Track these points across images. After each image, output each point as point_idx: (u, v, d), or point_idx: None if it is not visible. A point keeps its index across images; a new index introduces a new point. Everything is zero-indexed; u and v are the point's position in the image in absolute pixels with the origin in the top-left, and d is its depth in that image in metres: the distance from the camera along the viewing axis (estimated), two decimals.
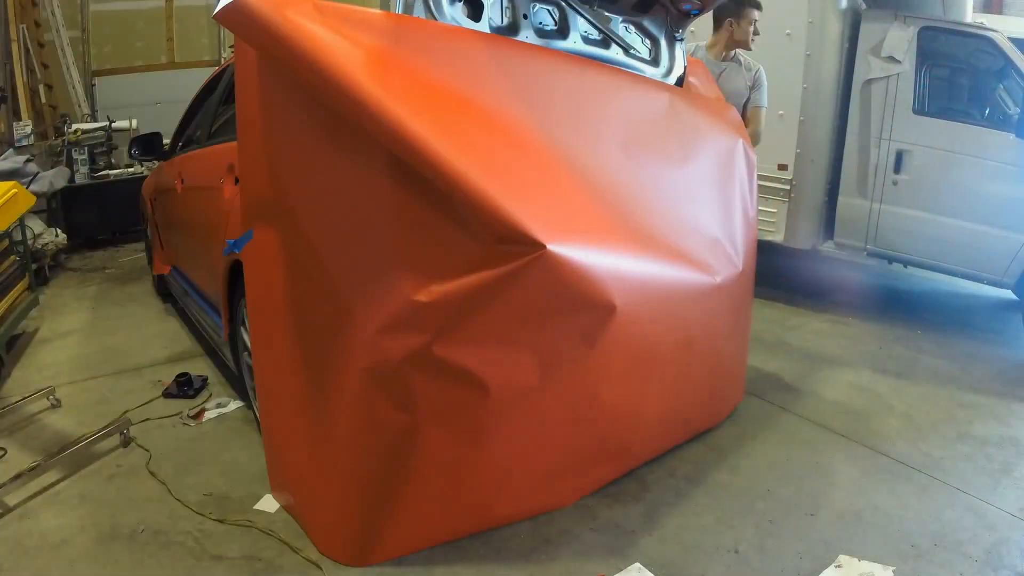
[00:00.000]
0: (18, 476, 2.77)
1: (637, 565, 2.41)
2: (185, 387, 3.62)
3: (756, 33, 3.89)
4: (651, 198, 2.70)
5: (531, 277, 2.10)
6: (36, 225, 5.71)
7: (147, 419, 3.37)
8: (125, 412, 3.41)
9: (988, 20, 5.46)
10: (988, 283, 4.66)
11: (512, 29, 2.73)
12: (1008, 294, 4.87)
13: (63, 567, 2.39)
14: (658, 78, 3.25)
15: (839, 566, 2.44)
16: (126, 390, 3.70)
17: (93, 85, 8.11)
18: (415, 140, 1.97)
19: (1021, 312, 4.68)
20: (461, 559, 2.43)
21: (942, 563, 2.46)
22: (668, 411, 2.90)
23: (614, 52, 3.05)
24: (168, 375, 3.87)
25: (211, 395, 3.63)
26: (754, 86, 3.92)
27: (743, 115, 3.82)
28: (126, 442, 3.15)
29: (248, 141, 2.40)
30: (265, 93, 2.25)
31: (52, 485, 2.85)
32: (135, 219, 6.06)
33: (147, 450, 3.09)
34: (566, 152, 2.42)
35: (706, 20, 3.52)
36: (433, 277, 2.09)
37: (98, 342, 4.40)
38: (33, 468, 2.82)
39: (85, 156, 6.66)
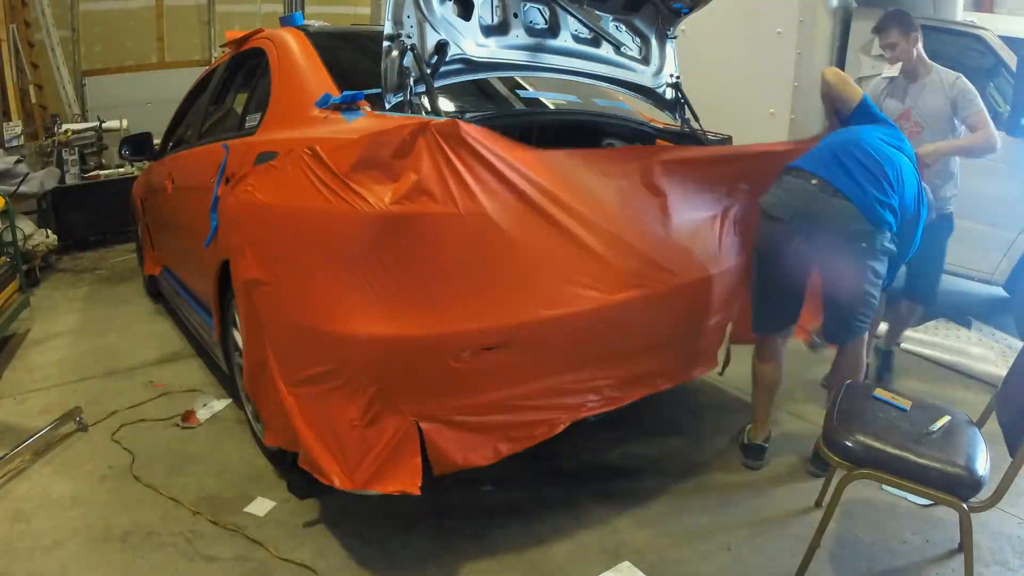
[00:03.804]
0: None
1: (627, 563, 2.42)
2: None
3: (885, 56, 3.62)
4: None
5: None
6: (26, 226, 5.67)
7: (141, 419, 3.37)
8: (114, 412, 3.41)
9: (978, 19, 5.47)
10: (979, 280, 4.68)
11: (502, 28, 2.73)
12: (999, 291, 4.89)
13: (55, 569, 2.38)
14: (648, 76, 3.25)
15: None
16: (117, 391, 3.69)
17: (83, 85, 8.06)
18: None
19: (1011, 309, 4.70)
20: (454, 558, 2.44)
21: (933, 559, 2.49)
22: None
23: (605, 51, 3.05)
24: (160, 376, 3.86)
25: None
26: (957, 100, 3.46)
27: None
28: (84, 427, 3.27)
29: None
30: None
31: (44, 487, 2.84)
32: (126, 220, 6.03)
33: (131, 452, 3.08)
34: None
35: (697, 18, 3.52)
36: None
37: (89, 343, 4.39)
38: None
39: (75, 156, 6.61)
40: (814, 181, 2.69)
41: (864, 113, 2.96)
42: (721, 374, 3.45)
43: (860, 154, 2.71)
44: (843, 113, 3.02)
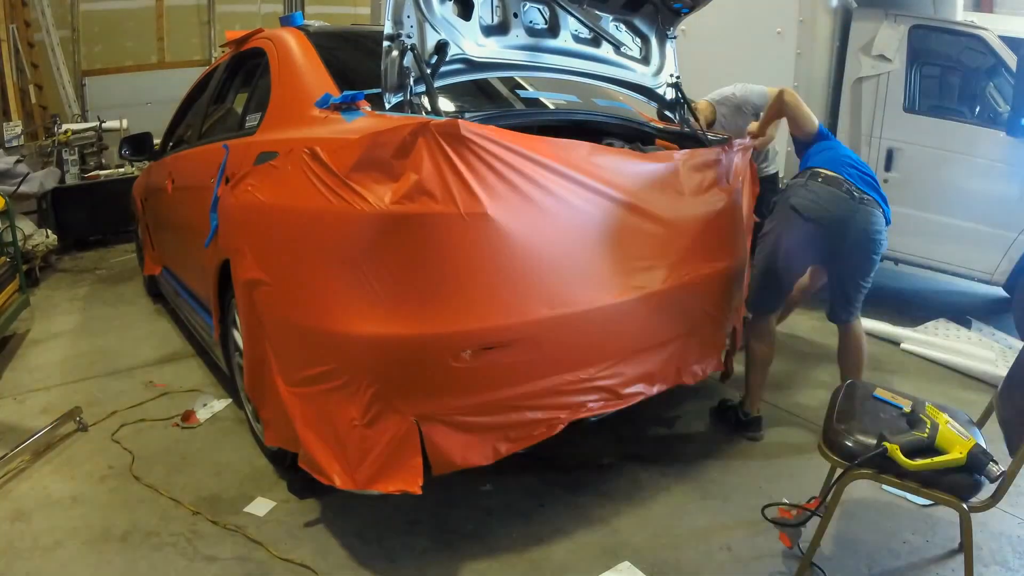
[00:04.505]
0: None
1: (627, 563, 2.42)
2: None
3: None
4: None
5: None
6: (27, 226, 5.68)
7: (141, 420, 3.37)
8: (114, 412, 3.41)
9: (978, 18, 5.47)
10: (979, 280, 4.69)
11: (502, 28, 2.73)
12: (999, 291, 4.90)
13: (55, 569, 2.38)
14: (648, 76, 3.25)
15: None
16: (117, 391, 3.69)
17: (83, 85, 8.07)
18: None
19: (1011, 309, 4.70)
20: (454, 558, 2.44)
21: (933, 559, 2.49)
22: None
23: (605, 51, 3.05)
24: (160, 376, 3.86)
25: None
26: None
27: None
28: (84, 427, 3.27)
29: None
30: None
31: (44, 487, 2.84)
32: (126, 220, 6.03)
33: (131, 452, 3.08)
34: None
35: (697, 18, 3.52)
36: None
37: (89, 343, 4.39)
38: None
39: (75, 156, 6.62)
40: (845, 187, 3.01)
41: (825, 134, 3.31)
42: (723, 381, 3.47)
43: (859, 166, 3.12)
44: (807, 132, 3.28)
